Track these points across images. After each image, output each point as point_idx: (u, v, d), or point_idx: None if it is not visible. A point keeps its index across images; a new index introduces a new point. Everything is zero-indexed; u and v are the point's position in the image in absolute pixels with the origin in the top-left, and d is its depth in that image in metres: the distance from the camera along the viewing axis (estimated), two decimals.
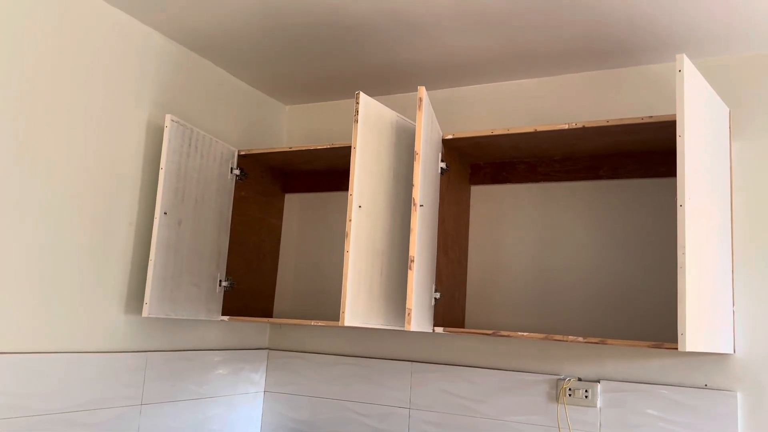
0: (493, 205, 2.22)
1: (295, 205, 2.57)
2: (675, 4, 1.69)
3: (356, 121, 1.77)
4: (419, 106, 1.75)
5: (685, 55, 1.52)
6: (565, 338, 1.68)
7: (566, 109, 2.17)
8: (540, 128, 1.83)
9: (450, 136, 1.95)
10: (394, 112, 1.91)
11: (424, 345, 2.24)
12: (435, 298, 1.88)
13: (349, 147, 2.09)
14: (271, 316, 2.49)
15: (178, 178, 1.99)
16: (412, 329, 1.65)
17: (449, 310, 2.00)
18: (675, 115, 1.65)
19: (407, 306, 1.65)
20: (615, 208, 2.04)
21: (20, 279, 1.64)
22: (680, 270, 1.42)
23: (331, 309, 2.44)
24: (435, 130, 1.90)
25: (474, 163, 2.22)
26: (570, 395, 1.97)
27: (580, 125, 1.78)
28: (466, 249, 2.19)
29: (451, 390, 2.14)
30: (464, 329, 1.81)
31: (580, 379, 1.98)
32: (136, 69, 1.99)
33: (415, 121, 2.31)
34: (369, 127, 1.81)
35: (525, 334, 1.73)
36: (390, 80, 2.34)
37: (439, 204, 1.93)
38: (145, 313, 1.85)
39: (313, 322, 1.91)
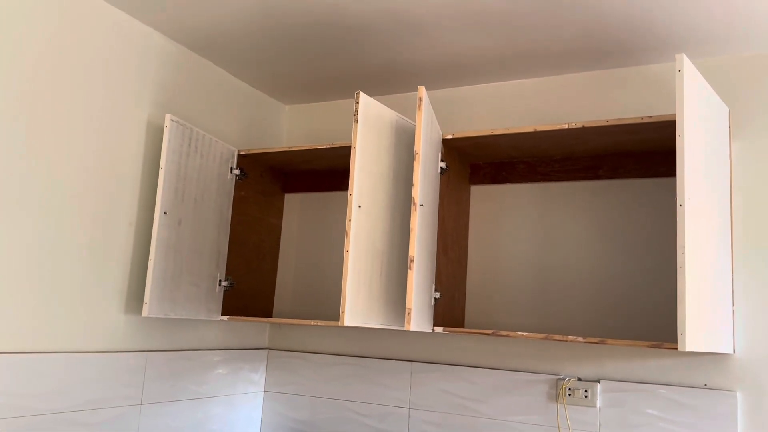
0: (492, 204, 2.22)
1: (295, 204, 2.58)
2: (675, 4, 1.69)
3: (356, 121, 1.77)
4: (419, 106, 1.75)
5: (684, 55, 1.52)
6: (564, 338, 1.68)
7: (566, 109, 2.17)
8: (540, 128, 1.83)
9: (450, 136, 1.95)
10: (393, 111, 1.91)
11: (424, 345, 2.24)
12: (435, 298, 1.88)
13: (349, 147, 2.09)
14: (271, 316, 2.49)
15: (178, 177, 1.99)
16: (411, 329, 1.65)
17: (449, 310, 2.00)
18: (675, 114, 1.65)
19: (407, 306, 1.65)
20: (615, 208, 2.04)
21: (20, 279, 1.64)
22: (680, 270, 1.42)
23: (331, 309, 2.44)
24: (435, 130, 1.90)
25: (474, 162, 2.22)
26: (570, 395, 1.97)
27: (579, 125, 1.78)
28: (465, 249, 2.19)
29: (451, 390, 2.14)
30: (464, 329, 1.81)
31: (579, 379, 1.98)
32: (136, 69, 1.99)
33: (414, 121, 2.31)
34: (369, 127, 1.81)
35: (525, 334, 1.73)
36: (390, 80, 2.34)
37: (439, 204, 1.93)
38: (144, 312, 1.85)
39: (312, 322, 1.91)
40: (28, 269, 1.66)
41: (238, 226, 2.26)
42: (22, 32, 1.66)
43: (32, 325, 1.67)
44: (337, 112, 2.59)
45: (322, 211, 2.52)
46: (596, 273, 2.03)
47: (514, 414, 2.04)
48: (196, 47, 2.17)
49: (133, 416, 1.92)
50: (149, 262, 1.88)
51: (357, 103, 1.77)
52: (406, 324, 1.64)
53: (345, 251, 1.70)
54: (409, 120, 1.98)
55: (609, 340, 1.62)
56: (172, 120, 1.97)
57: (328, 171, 2.48)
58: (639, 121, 1.72)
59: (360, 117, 1.77)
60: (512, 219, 2.18)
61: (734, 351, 1.82)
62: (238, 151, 2.27)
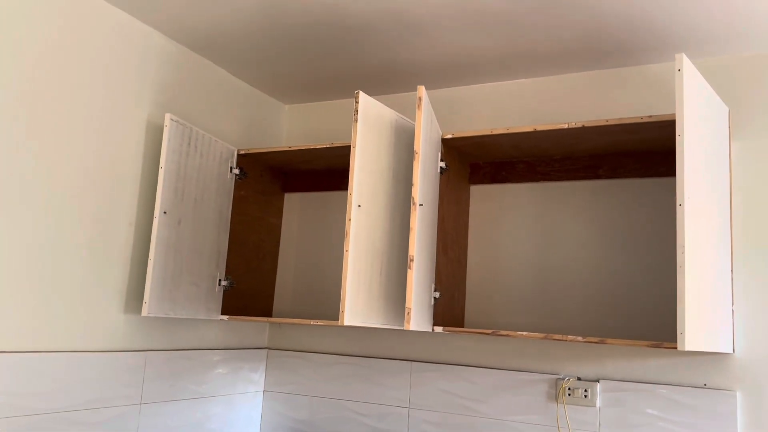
0: (492, 204, 2.22)
1: (295, 204, 2.58)
2: (675, 4, 1.69)
3: (356, 120, 1.77)
4: (419, 106, 1.75)
5: (684, 55, 1.52)
6: (564, 338, 1.68)
7: (566, 108, 2.17)
8: (540, 128, 1.83)
9: (449, 136, 1.95)
10: (393, 111, 1.92)
11: (424, 344, 2.24)
12: (434, 298, 1.88)
13: (349, 146, 2.09)
14: (271, 316, 2.49)
15: (178, 177, 1.99)
16: (411, 329, 1.65)
17: (448, 310, 2.00)
18: (674, 114, 1.65)
19: (407, 305, 1.65)
20: (614, 208, 2.04)
21: (20, 278, 1.65)
22: (679, 269, 1.42)
23: (331, 308, 2.44)
24: (434, 130, 1.90)
25: (473, 162, 2.22)
26: (569, 395, 1.97)
27: (579, 125, 1.78)
28: (465, 248, 2.19)
29: (451, 389, 2.14)
30: (464, 329, 1.81)
31: (579, 379, 1.98)
32: (136, 68, 1.99)
33: (414, 120, 2.31)
34: (368, 127, 1.81)
35: (524, 333, 1.73)
36: (390, 80, 2.34)
37: (439, 203, 1.93)
38: (144, 312, 1.85)
39: (312, 322, 1.91)
40: (28, 269, 1.66)
41: (237, 226, 2.26)
42: (23, 32, 1.66)
43: (32, 325, 1.67)
44: (337, 112, 2.59)
45: (321, 210, 2.52)
46: (596, 272, 2.03)
47: (514, 414, 2.04)
48: (196, 47, 2.17)
49: (133, 416, 1.93)
50: (149, 261, 1.88)
51: (357, 102, 1.77)
52: (405, 323, 1.64)
53: (345, 251, 1.70)
54: (408, 119, 1.98)
55: (609, 340, 1.62)
56: (171, 119, 1.97)
57: (327, 170, 2.48)
58: (639, 120, 1.72)
59: (360, 116, 1.77)
60: (512, 218, 2.18)
61: (734, 351, 1.82)
62: (238, 150, 2.27)
